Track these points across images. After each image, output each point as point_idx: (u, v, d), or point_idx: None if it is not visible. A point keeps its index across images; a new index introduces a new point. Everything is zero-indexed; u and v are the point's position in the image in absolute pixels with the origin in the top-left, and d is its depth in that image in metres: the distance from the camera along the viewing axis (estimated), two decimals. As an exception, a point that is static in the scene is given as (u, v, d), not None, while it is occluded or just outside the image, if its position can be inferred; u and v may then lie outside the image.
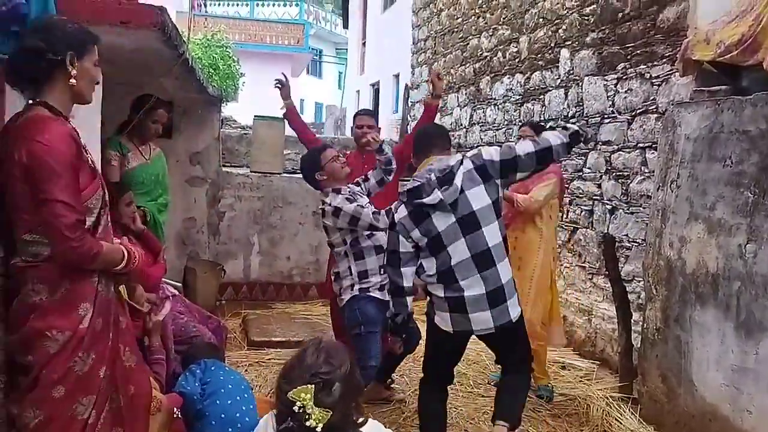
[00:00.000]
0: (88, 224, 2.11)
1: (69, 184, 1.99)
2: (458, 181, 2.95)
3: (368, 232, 3.64)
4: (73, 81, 2.10)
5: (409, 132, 10.87)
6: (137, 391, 2.24)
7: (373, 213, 3.54)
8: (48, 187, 1.96)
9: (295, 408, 1.80)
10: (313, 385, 1.83)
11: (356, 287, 3.66)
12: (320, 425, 1.79)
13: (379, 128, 4.58)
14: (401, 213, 3.07)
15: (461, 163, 3.00)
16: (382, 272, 3.62)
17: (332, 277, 3.86)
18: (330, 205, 3.60)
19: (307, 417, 1.79)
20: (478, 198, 2.98)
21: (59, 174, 1.97)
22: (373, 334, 3.63)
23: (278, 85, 4.68)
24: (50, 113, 2.06)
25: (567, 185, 5.55)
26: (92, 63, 2.19)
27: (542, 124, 5.87)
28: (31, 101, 2.10)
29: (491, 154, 3.03)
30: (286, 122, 4.77)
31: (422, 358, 3.39)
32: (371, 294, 3.64)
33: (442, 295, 3.02)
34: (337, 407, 1.83)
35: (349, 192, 3.70)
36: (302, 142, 4.74)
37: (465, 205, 2.96)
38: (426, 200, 2.97)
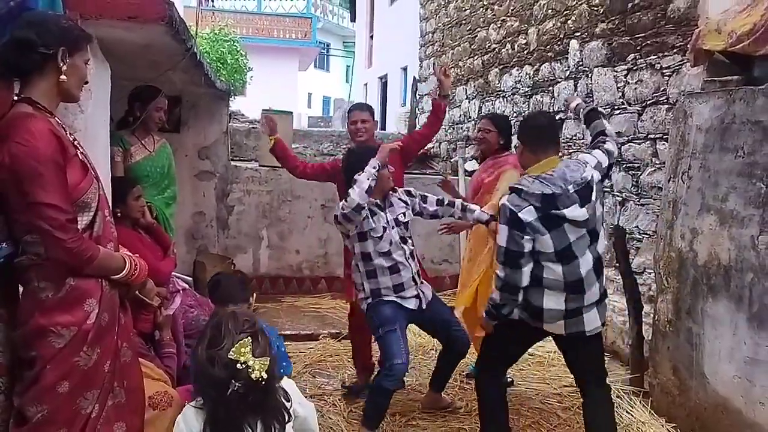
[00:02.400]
0: (86, 220, 2.09)
1: (54, 184, 1.96)
2: (594, 196, 3.01)
3: (383, 249, 3.51)
4: (63, 77, 2.08)
5: (417, 126, 10.85)
6: (129, 386, 2.24)
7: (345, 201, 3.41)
8: (32, 189, 1.93)
9: (239, 366, 1.89)
10: (248, 338, 1.95)
11: (369, 299, 3.60)
12: (264, 373, 1.91)
13: (376, 121, 4.41)
14: (529, 215, 2.94)
15: (592, 176, 3.03)
16: (397, 287, 3.56)
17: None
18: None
19: (251, 370, 1.89)
20: (597, 207, 3.07)
21: (42, 174, 1.94)
22: (391, 332, 3.49)
23: (263, 124, 4.50)
24: (33, 110, 2.02)
25: None
26: (83, 61, 2.18)
27: (504, 114, 5.88)
28: (16, 98, 2.07)
29: (603, 160, 3.13)
30: (276, 152, 4.43)
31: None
32: (384, 298, 3.57)
33: (562, 305, 3.03)
34: (268, 354, 1.98)
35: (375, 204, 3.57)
36: (300, 177, 4.51)
37: (593, 218, 3.04)
38: (568, 215, 2.95)
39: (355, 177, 3.40)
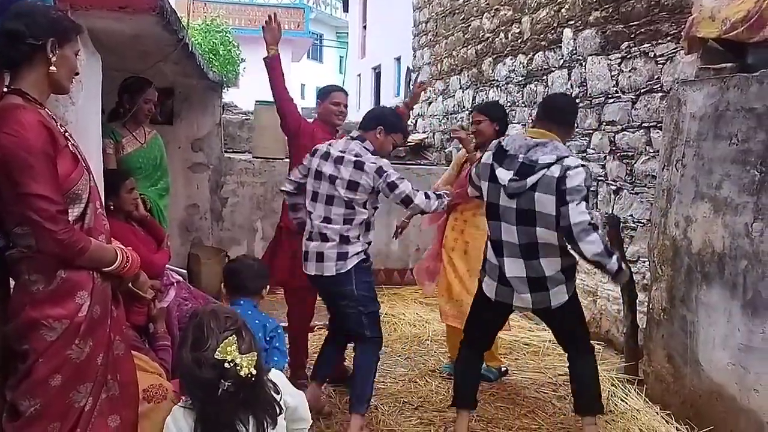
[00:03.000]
0: (77, 212, 2.08)
1: (44, 175, 1.94)
2: (531, 180, 3.11)
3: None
4: (53, 68, 2.06)
5: (410, 119, 10.82)
6: (122, 379, 2.22)
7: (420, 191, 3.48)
8: (23, 180, 1.92)
9: (227, 365, 1.88)
10: (233, 336, 1.93)
11: (359, 257, 3.49)
12: (252, 369, 1.90)
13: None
14: (486, 158, 3.26)
15: (548, 165, 3.07)
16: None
17: (320, 240, 3.49)
18: (373, 162, 3.39)
19: (239, 368, 1.88)
20: (543, 204, 3.07)
21: (32, 165, 1.92)
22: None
23: (266, 24, 4.16)
24: (23, 101, 2.00)
25: None
26: (73, 52, 2.16)
27: (495, 101, 5.86)
28: (5, 89, 2.05)
29: (573, 177, 3.03)
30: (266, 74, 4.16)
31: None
32: (366, 265, 3.56)
33: (495, 261, 3.25)
34: (254, 349, 1.97)
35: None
36: (278, 99, 4.18)
37: (528, 201, 3.12)
38: (496, 172, 3.18)
39: (434, 194, 3.50)
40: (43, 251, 1.99)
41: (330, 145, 3.55)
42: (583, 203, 2.99)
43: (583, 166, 3.05)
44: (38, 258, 2.01)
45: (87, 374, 2.07)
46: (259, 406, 2.00)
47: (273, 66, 4.11)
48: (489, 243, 3.29)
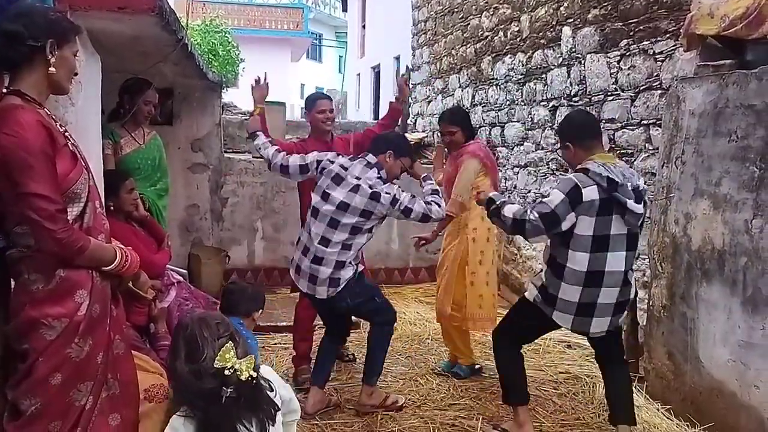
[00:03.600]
0: (76, 211, 2.09)
1: (44, 174, 1.96)
2: (642, 205, 3.13)
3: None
4: (52, 69, 2.07)
5: (409, 118, 10.83)
6: (123, 378, 2.24)
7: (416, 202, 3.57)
8: (22, 180, 1.93)
9: (227, 372, 1.86)
10: (229, 342, 1.91)
11: (349, 279, 3.57)
12: (252, 371, 1.89)
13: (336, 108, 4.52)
14: (593, 193, 3.05)
15: (643, 189, 3.18)
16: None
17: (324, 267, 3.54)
18: (387, 193, 3.48)
19: (239, 373, 1.87)
20: (643, 221, 3.20)
21: (32, 165, 1.94)
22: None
23: (256, 83, 4.24)
24: (22, 101, 2.02)
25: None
26: (72, 53, 2.18)
27: (456, 107, 5.82)
28: (5, 90, 2.07)
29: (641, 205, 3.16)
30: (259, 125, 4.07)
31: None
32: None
33: (576, 297, 3.13)
34: (251, 352, 1.96)
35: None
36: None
37: (636, 225, 3.16)
38: (629, 204, 3.05)
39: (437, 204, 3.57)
40: (42, 250, 2.00)
41: (343, 167, 3.56)
42: None
43: None
44: (38, 257, 2.02)
45: (87, 373, 2.08)
46: (259, 407, 1.99)
47: (257, 135, 3.97)
48: (572, 281, 3.12)
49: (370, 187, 3.47)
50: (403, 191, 3.55)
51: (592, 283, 3.11)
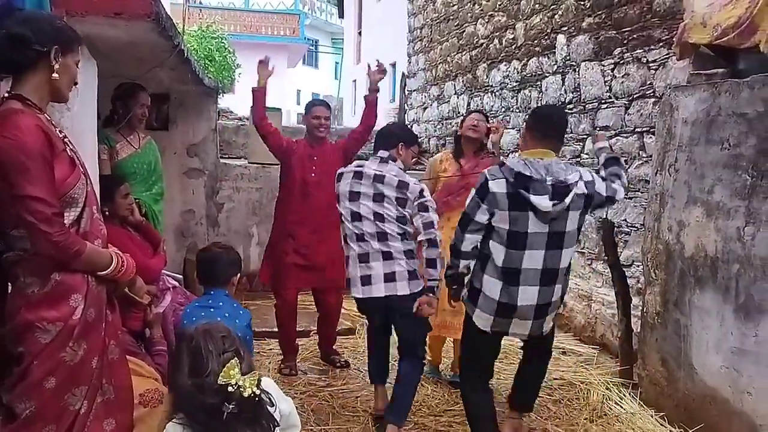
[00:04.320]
0: (73, 216, 2.10)
1: (41, 178, 1.97)
2: (568, 200, 2.95)
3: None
4: (55, 75, 2.09)
5: (406, 122, 10.85)
6: (118, 383, 2.24)
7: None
8: (19, 183, 1.94)
9: (230, 389, 1.80)
10: (234, 359, 1.85)
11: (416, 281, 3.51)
12: (255, 389, 1.83)
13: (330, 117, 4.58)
14: (498, 187, 2.99)
15: (576, 183, 2.99)
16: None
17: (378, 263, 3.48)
18: (416, 184, 3.45)
19: (242, 390, 1.81)
20: (572, 221, 3.04)
21: (29, 168, 1.95)
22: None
23: (262, 61, 4.52)
24: (22, 106, 2.04)
25: None
26: (74, 62, 2.20)
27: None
28: (6, 95, 2.08)
29: (601, 188, 3.10)
30: (252, 107, 4.50)
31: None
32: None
33: (497, 295, 3.06)
34: (253, 367, 1.91)
35: None
36: (258, 121, 4.41)
37: (561, 223, 3.01)
38: (533, 200, 2.93)
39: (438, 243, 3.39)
40: (38, 253, 2.01)
41: (360, 166, 3.56)
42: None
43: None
44: (33, 260, 2.03)
45: (81, 377, 2.09)
46: (258, 422, 1.93)
47: (259, 97, 4.41)
48: (493, 274, 3.07)
49: (395, 175, 3.45)
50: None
51: (510, 280, 3.04)
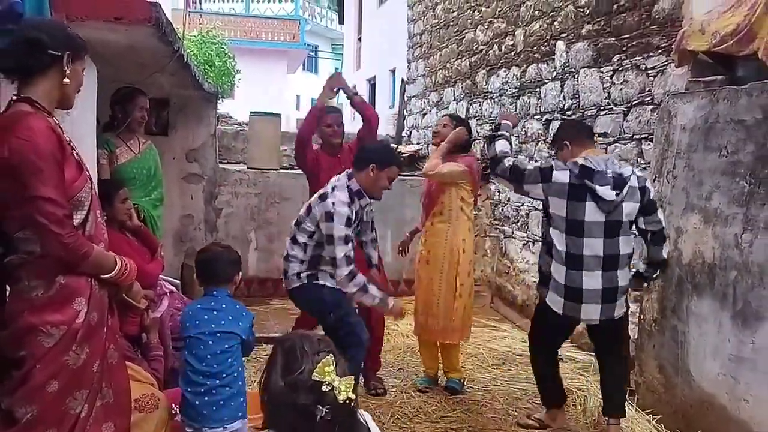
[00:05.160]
0: (79, 219, 2.11)
1: (53, 179, 1.99)
2: (626, 190, 3.32)
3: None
4: (66, 80, 2.12)
5: (405, 128, 10.87)
6: (116, 387, 2.24)
7: (349, 266, 3.46)
8: (32, 183, 1.96)
9: (325, 387, 1.65)
10: (330, 356, 1.70)
11: (303, 275, 3.59)
12: (351, 393, 1.67)
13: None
14: (563, 176, 3.34)
15: (630, 177, 3.35)
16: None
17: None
18: (333, 204, 3.47)
19: (337, 392, 1.65)
20: (628, 211, 3.36)
21: (42, 169, 1.97)
22: (346, 316, 3.60)
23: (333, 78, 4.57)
24: (32, 108, 2.05)
25: (480, 185, 5.36)
26: (82, 69, 2.23)
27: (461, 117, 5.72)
28: (14, 97, 2.10)
29: (650, 186, 3.49)
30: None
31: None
32: (320, 282, 3.59)
33: (563, 279, 3.38)
34: (350, 372, 1.76)
35: (358, 207, 3.64)
36: (305, 135, 4.50)
37: (618, 212, 3.33)
38: (598, 190, 3.28)
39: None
40: (48, 255, 2.02)
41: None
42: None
43: None
44: (39, 263, 2.04)
45: (83, 381, 2.09)
46: None
47: (315, 111, 4.40)
48: (557, 259, 3.39)
49: (323, 205, 3.57)
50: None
51: (572, 265, 3.34)
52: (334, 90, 4.50)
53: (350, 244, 3.46)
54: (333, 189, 3.56)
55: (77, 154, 2.17)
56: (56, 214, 1.98)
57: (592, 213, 3.31)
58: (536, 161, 3.54)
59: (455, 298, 4.22)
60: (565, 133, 3.63)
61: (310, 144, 4.47)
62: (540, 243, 3.85)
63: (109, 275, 2.20)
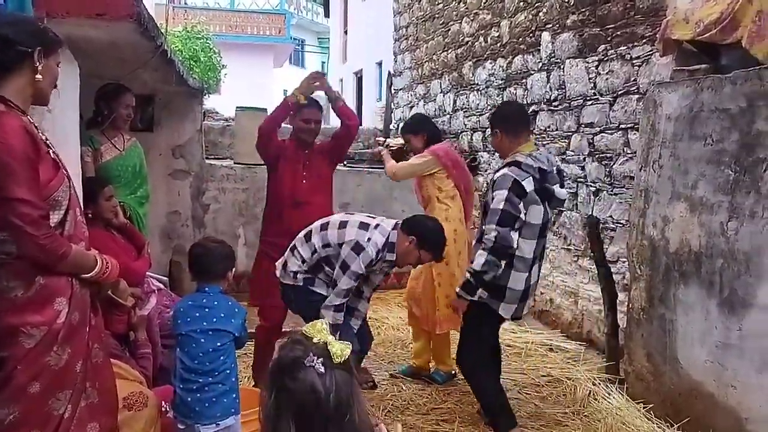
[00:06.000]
0: (57, 219, 2.08)
1: (27, 180, 1.96)
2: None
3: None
4: (39, 77, 2.08)
5: (392, 122, 10.84)
6: (101, 386, 2.22)
7: (344, 299, 3.40)
8: (6, 185, 1.93)
9: (316, 340, 1.51)
10: (321, 321, 1.57)
11: (300, 276, 3.52)
12: (346, 353, 1.51)
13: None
14: (530, 185, 3.32)
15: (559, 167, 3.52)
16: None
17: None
18: (368, 241, 3.35)
19: (329, 345, 1.50)
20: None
21: (16, 170, 1.93)
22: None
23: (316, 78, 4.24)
24: (5, 107, 2.02)
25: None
26: (56, 63, 2.19)
27: (415, 115, 5.67)
28: None
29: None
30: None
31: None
32: (315, 289, 3.51)
33: (522, 285, 3.41)
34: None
35: (383, 258, 3.44)
36: (270, 124, 4.20)
37: (557, 208, 3.52)
38: (555, 192, 3.37)
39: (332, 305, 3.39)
40: (24, 256, 1.99)
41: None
42: None
43: None
44: (17, 264, 2.00)
45: (66, 382, 2.07)
46: (355, 400, 1.52)
47: (287, 107, 4.16)
48: (521, 269, 3.39)
49: (358, 243, 3.38)
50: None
51: (531, 268, 3.43)
52: (314, 89, 4.19)
53: (356, 283, 3.41)
54: (376, 227, 3.42)
55: (53, 152, 2.14)
56: (31, 215, 1.95)
57: (545, 214, 3.43)
58: (510, 194, 3.28)
59: (434, 287, 4.23)
60: (498, 120, 3.55)
61: (275, 137, 4.21)
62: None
63: (89, 275, 2.17)
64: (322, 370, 1.46)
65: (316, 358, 1.47)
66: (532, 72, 6.25)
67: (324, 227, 3.50)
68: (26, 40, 2.05)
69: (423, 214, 3.93)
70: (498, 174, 3.38)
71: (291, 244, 3.60)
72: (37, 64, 2.07)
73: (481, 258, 3.25)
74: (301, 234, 3.58)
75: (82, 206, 2.46)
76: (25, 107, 2.10)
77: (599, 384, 4.18)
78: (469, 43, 7.83)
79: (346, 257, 3.35)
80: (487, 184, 7.13)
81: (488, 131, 5.90)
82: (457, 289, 3.45)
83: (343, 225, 3.45)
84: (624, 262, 4.62)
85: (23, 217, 1.94)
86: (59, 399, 2.06)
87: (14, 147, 1.94)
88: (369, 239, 3.36)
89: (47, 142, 2.13)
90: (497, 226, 3.21)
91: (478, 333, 3.59)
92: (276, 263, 3.69)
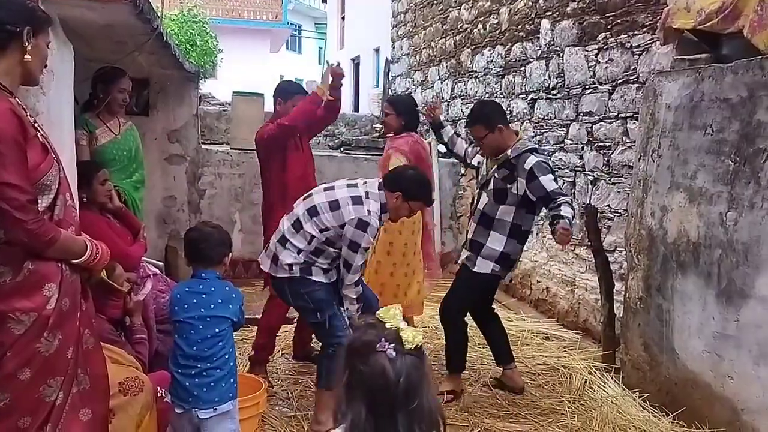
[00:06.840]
0: (46, 203, 2.04)
1: (15, 164, 1.91)
2: None
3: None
4: (28, 57, 2.03)
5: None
6: (93, 372, 2.20)
7: (359, 274, 3.37)
8: None
9: (388, 325, 1.53)
10: (395, 309, 1.59)
11: (296, 268, 3.35)
12: (419, 340, 1.53)
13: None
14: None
15: None
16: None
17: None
18: (368, 213, 3.25)
19: (402, 332, 1.52)
20: None
21: (2, 153, 1.88)
22: (333, 317, 3.36)
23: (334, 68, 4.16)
24: None
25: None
26: (45, 43, 2.15)
27: (406, 95, 5.71)
28: None
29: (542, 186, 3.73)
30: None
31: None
32: (313, 278, 3.36)
33: (520, 256, 3.99)
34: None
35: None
36: (298, 124, 4.02)
37: None
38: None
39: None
40: (11, 241, 1.96)
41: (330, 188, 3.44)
42: None
43: None
44: (5, 249, 1.97)
45: (57, 368, 2.04)
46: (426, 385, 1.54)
47: (317, 101, 4.05)
48: (523, 242, 3.89)
49: (350, 209, 3.29)
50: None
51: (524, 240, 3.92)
52: (337, 83, 4.15)
53: (367, 254, 3.43)
54: (367, 195, 3.32)
55: (42, 135, 2.09)
56: (19, 199, 1.91)
57: None
58: (552, 175, 3.69)
59: (391, 275, 4.57)
60: (497, 116, 3.80)
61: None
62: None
63: (79, 260, 2.13)
64: (393, 355, 1.49)
65: (387, 343, 1.50)
66: (531, 60, 6.21)
67: (313, 213, 3.32)
68: (14, 20, 2.00)
69: (401, 166, 3.87)
70: (529, 162, 3.61)
71: (278, 238, 3.43)
72: (26, 43, 2.02)
73: (570, 208, 3.53)
74: (287, 225, 3.39)
75: (73, 191, 2.43)
76: (13, 88, 2.05)
77: (595, 373, 4.19)
78: (468, 29, 7.78)
79: (353, 236, 3.24)
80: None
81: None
82: (564, 221, 3.47)
83: (335, 206, 3.30)
84: (621, 251, 4.61)
85: (10, 201, 1.90)
86: (51, 386, 2.03)
87: (2, 130, 1.90)
88: (369, 211, 3.28)
89: (36, 124, 2.09)
90: (565, 196, 3.62)
91: (471, 296, 4.00)
92: (258, 259, 3.60)
